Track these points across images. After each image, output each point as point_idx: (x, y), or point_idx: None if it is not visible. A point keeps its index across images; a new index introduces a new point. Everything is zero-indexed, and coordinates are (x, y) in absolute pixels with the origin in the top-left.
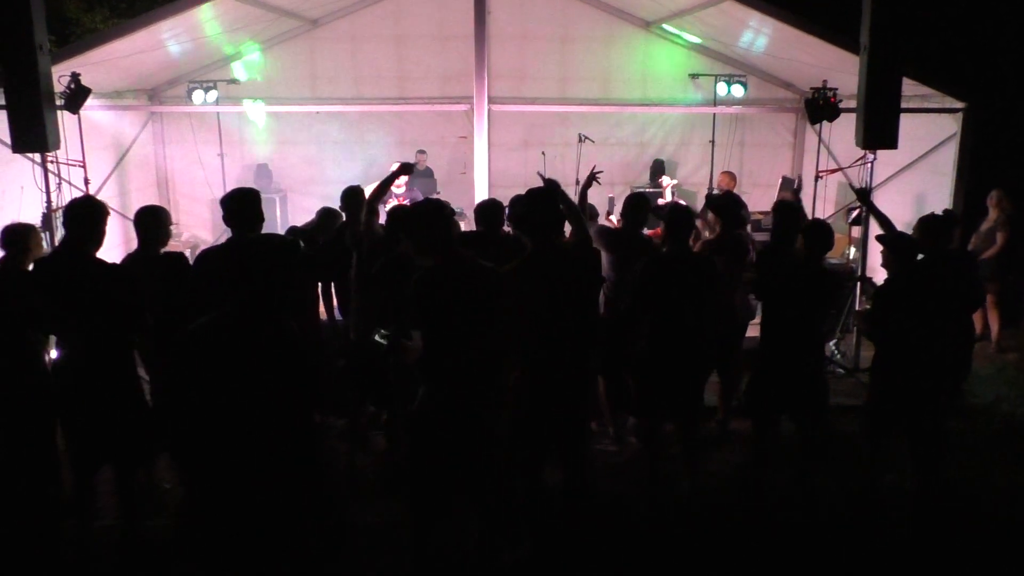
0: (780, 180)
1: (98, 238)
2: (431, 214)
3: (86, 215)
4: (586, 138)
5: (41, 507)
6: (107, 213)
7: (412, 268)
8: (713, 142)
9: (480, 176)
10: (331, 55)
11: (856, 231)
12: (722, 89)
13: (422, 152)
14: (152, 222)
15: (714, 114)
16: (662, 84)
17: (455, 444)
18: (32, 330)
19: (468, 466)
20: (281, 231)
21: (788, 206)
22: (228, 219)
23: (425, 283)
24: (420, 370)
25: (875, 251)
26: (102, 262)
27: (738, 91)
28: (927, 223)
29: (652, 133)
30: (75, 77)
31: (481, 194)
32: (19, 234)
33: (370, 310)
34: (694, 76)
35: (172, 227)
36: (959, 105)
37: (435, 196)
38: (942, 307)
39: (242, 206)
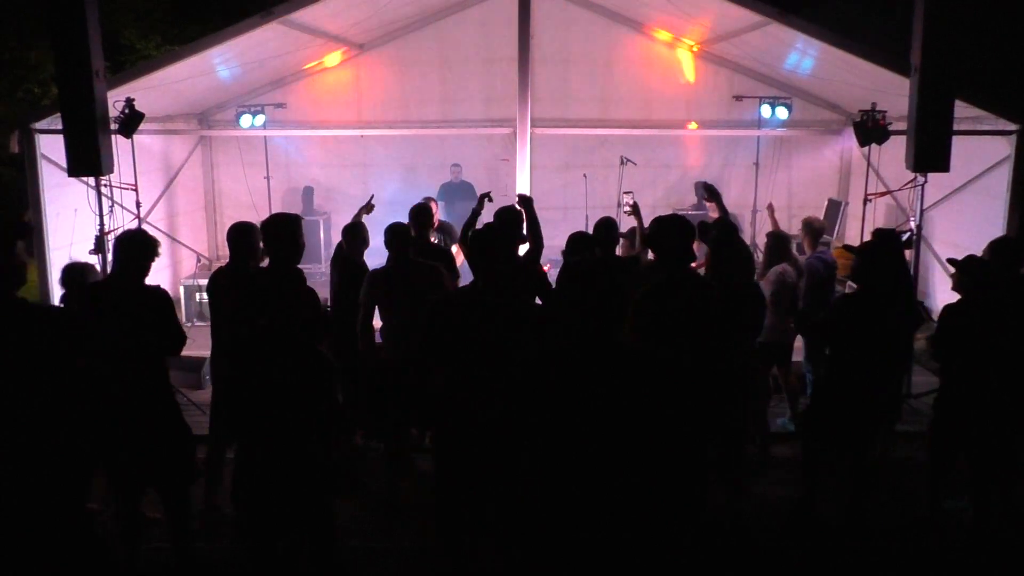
0: (826, 202)
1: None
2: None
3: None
4: (628, 160)
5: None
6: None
7: None
8: (757, 164)
9: None
10: (377, 79)
11: (907, 254)
12: (766, 111)
13: (456, 166)
14: (241, 238)
15: (758, 136)
16: (705, 106)
17: None
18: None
19: None
20: (326, 253)
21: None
22: (265, 244)
23: None
24: None
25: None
26: (145, 286)
27: (783, 113)
28: (998, 245)
29: (695, 155)
30: (129, 102)
31: None
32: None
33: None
34: (738, 98)
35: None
36: (1013, 127)
37: None
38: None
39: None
